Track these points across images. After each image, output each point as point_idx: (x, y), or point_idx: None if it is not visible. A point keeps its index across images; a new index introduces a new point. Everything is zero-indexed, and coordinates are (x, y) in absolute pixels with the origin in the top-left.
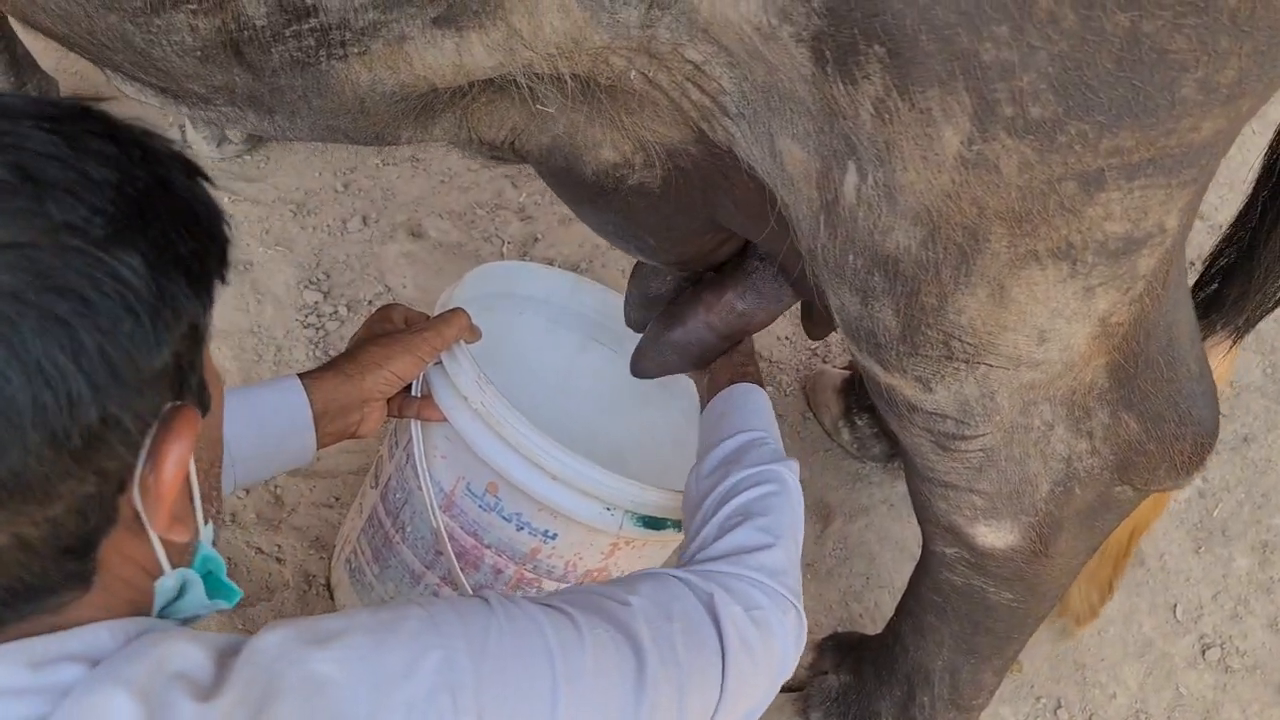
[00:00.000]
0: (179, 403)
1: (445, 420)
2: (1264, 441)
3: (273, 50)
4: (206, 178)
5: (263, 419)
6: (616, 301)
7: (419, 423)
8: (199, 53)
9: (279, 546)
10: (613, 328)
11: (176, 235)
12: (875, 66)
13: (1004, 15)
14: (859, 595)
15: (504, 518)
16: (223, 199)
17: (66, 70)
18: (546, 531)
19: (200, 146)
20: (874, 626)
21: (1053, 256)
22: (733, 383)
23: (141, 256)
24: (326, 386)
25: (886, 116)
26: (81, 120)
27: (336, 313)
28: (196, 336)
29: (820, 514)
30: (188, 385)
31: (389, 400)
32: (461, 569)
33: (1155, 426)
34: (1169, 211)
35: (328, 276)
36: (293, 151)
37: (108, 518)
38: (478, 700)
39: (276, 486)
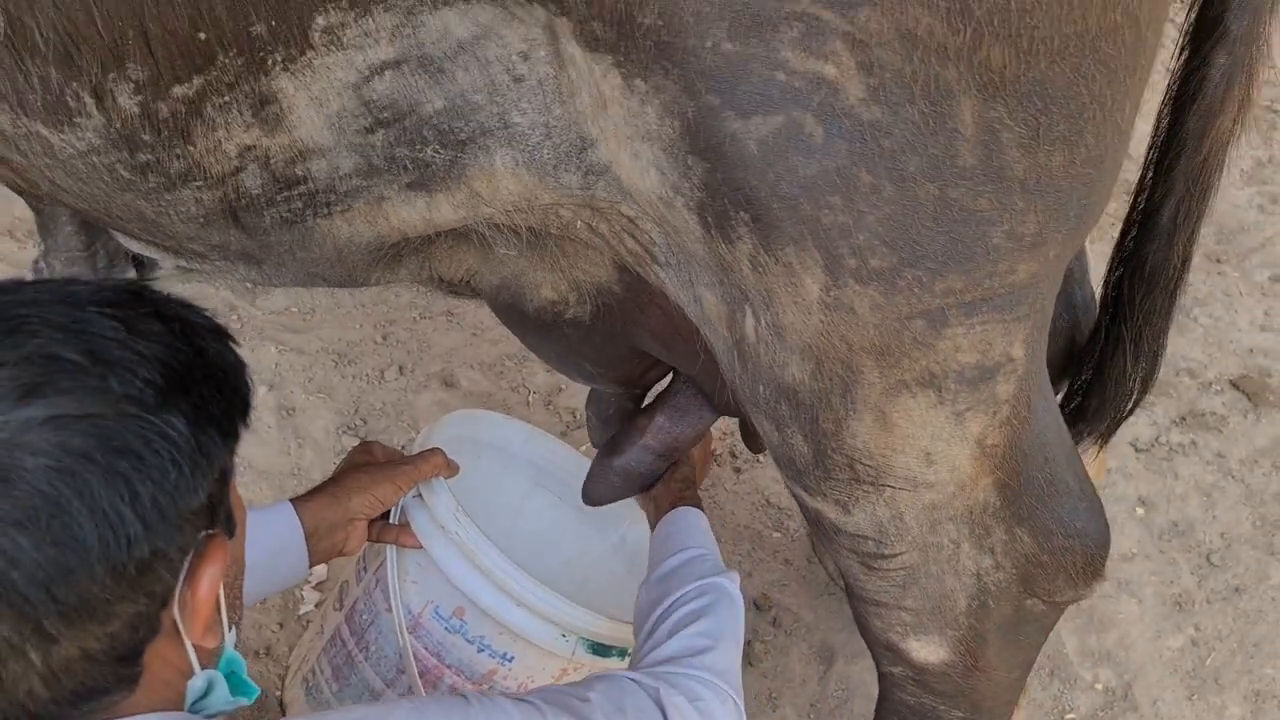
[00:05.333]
0: (211, 531)
1: (420, 547)
2: (1255, 592)
3: (265, 213)
4: (233, 340)
5: (257, 538)
6: (564, 451)
7: (394, 548)
8: (201, 219)
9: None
10: (559, 475)
11: (210, 397)
12: (744, 229)
13: (834, 188)
14: None
15: (467, 640)
16: (270, 349)
17: None
18: (505, 654)
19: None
20: None
21: (920, 385)
22: (673, 507)
23: (184, 418)
24: (315, 508)
25: (760, 270)
26: (135, 304)
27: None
28: (225, 478)
29: (823, 656)
30: (218, 516)
31: (370, 525)
32: (422, 687)
33: (1046, 540)
34: (1012, 343)
35: (365, 422)
36: (338, 305)
37: (153, 629)
38: None
39: None
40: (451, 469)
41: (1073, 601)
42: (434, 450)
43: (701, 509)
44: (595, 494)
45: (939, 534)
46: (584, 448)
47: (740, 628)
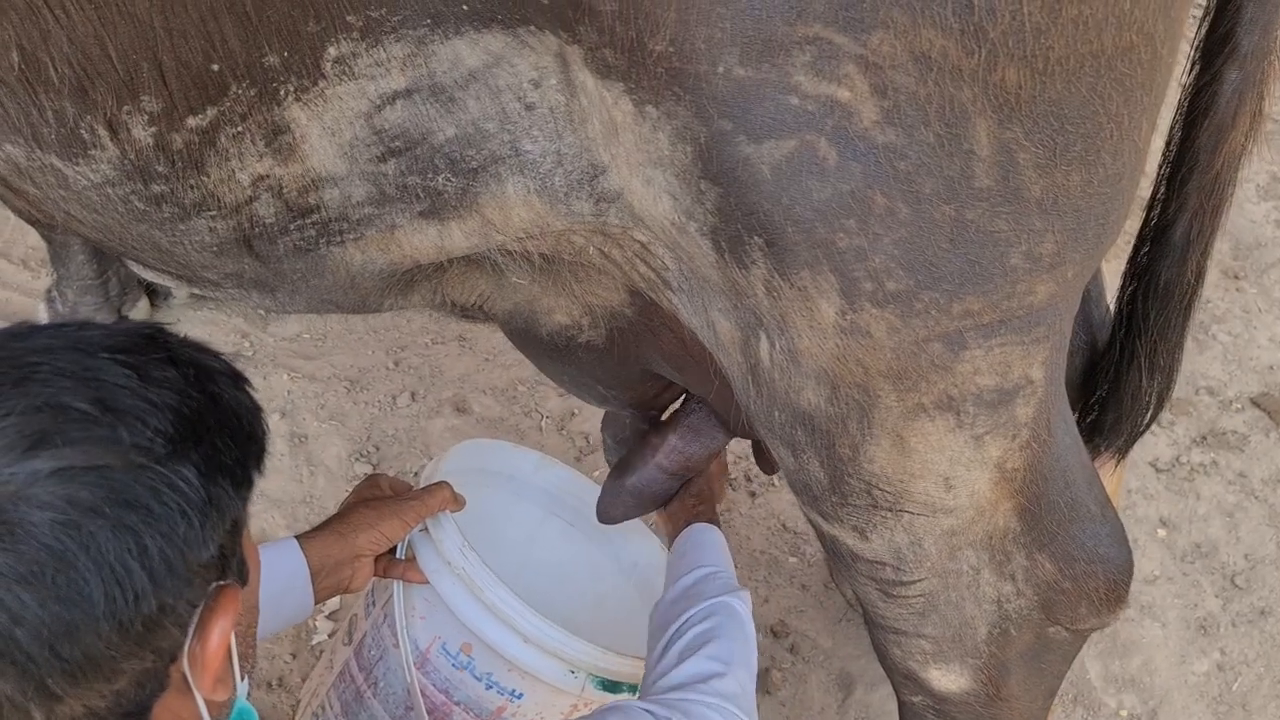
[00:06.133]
0: (223, 582)
1: (427, 582)
2: None
3: (279, 241)
4: (249, 384)
5: (262, 576)
6: (575, 478)
7: (400, 584)
8: (215, 248)
9: None
10: (570, 503)
11: (223, 445)
12: (758, 254)
13: (849, 211)
14: None
15: (475, 676)
16: (282, 376)
17: None
18: (514, 691)
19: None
20: None
21: (938, 409)
22: (689, 523)
23: (195, 468)
24: (321, 545)
25: (775, 294)
26: (148, 349)
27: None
28: (237, 528)
29: (842, 683)
30: (230, 567)
31: (376, 560)
32: None
33: (1068, 566)
34: (1031, 365)
35: (377, 449)
36: (350, 331)
37: (160, 684)
38: None
39: None
40: (458, 503)
41: (1096, 629)
42: (441, 484)
43: (718, 524)
44: (609, 513)
45: (958, 560)
46: (596, 473)
47: (752, 648)
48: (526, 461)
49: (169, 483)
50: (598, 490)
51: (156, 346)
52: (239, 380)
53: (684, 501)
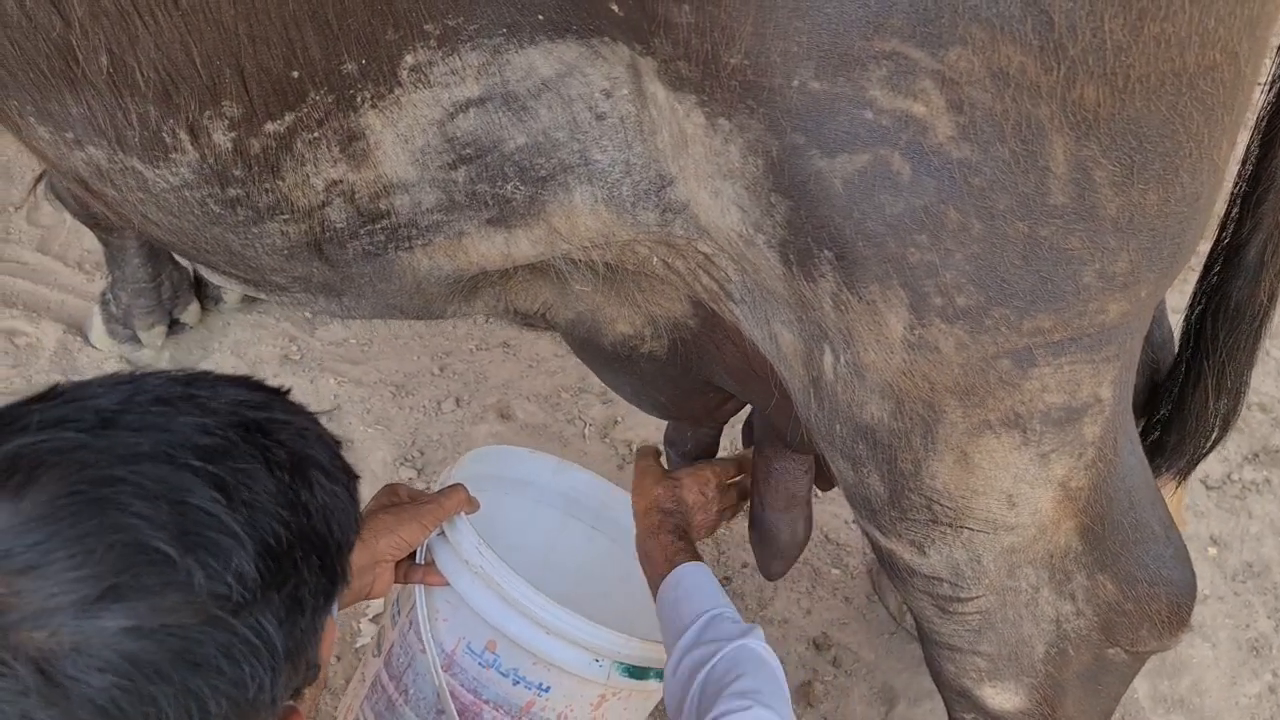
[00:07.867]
0: (291, 704)
1: (447, 584)
2: None
3: (349, 246)
4: (348, 468)
5: None
6: (595, 481)
7: (422, 588)
8: (286, 251)
9: None
10: (591, 506)
11: (309, 573)
12: (827, 267)
13: (921, 226)
14: None
15: (501, 673)
16: (329, 380)
17: None
18: (540, 684)
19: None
20: None
21: (1004, 426)
22: (670, 564)
23: (274, 615)
24: None
25: (843, 307)
26: (243, 447)
27: (429, 489)
28: (311, 666)
29: (885, 697)
30: (300, 691)
31: (396, 566)
32: None
33: (1130, 587)
34: (1100, 384)
35: (422, 454)
36: (396, 337)
37: None
38: None
39: None
40: (474, 505)
41: (1157, 651)
42: (456, 487)
43: (701, 560)
44: (774, 570)
45: (1017, 578)
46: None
47: (781, 684)
48: (545, 466)
49: (243, 638)
50: (620, 493)
51: (252, 443)
52: (335, 468)
53: (659, 539)
